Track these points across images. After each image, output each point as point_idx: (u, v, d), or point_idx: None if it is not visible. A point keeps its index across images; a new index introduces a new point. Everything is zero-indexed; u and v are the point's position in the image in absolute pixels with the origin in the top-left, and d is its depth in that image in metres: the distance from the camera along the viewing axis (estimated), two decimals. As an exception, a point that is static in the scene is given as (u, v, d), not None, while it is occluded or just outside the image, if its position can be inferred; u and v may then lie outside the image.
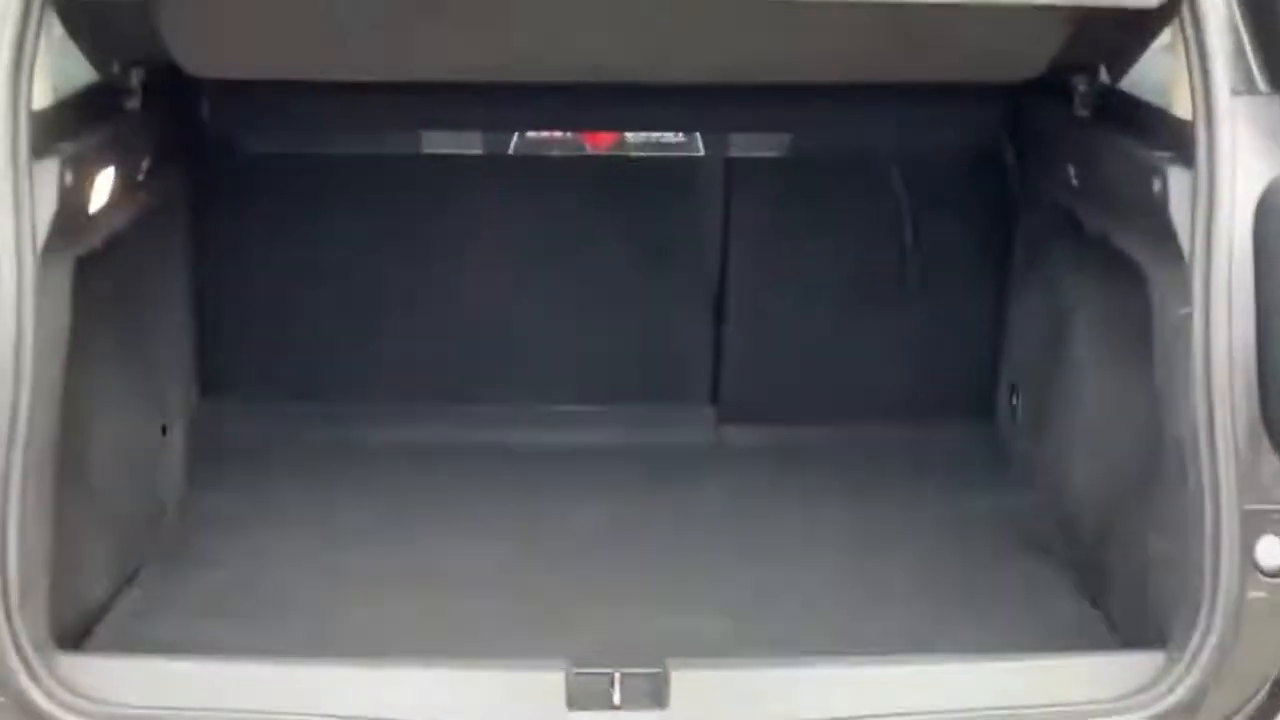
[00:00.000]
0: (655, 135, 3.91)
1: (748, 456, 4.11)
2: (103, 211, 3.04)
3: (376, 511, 3.78)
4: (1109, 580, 3.31)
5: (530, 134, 3.87)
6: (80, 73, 3.16)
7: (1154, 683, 2.71)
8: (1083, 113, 3.35)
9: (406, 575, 3.47)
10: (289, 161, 3.94)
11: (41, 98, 2.81)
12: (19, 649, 2.61)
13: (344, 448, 4.03)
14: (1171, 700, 2.69)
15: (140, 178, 3.33)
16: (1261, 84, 2.78)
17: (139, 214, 3.31)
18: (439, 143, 3.87)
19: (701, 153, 3.96)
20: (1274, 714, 2.85)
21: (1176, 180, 2.77)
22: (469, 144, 3.88)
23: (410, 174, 4.00)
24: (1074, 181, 3.42)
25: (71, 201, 2.78)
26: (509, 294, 4.14)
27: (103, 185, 3.04)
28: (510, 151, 3.88)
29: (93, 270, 2.98)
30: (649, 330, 4.20)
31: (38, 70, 2.70)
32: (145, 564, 3.47)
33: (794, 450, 4.09)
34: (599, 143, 3.93)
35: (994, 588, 3.45)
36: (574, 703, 2.67)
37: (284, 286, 4.09)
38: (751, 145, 4.00)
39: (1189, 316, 2.71)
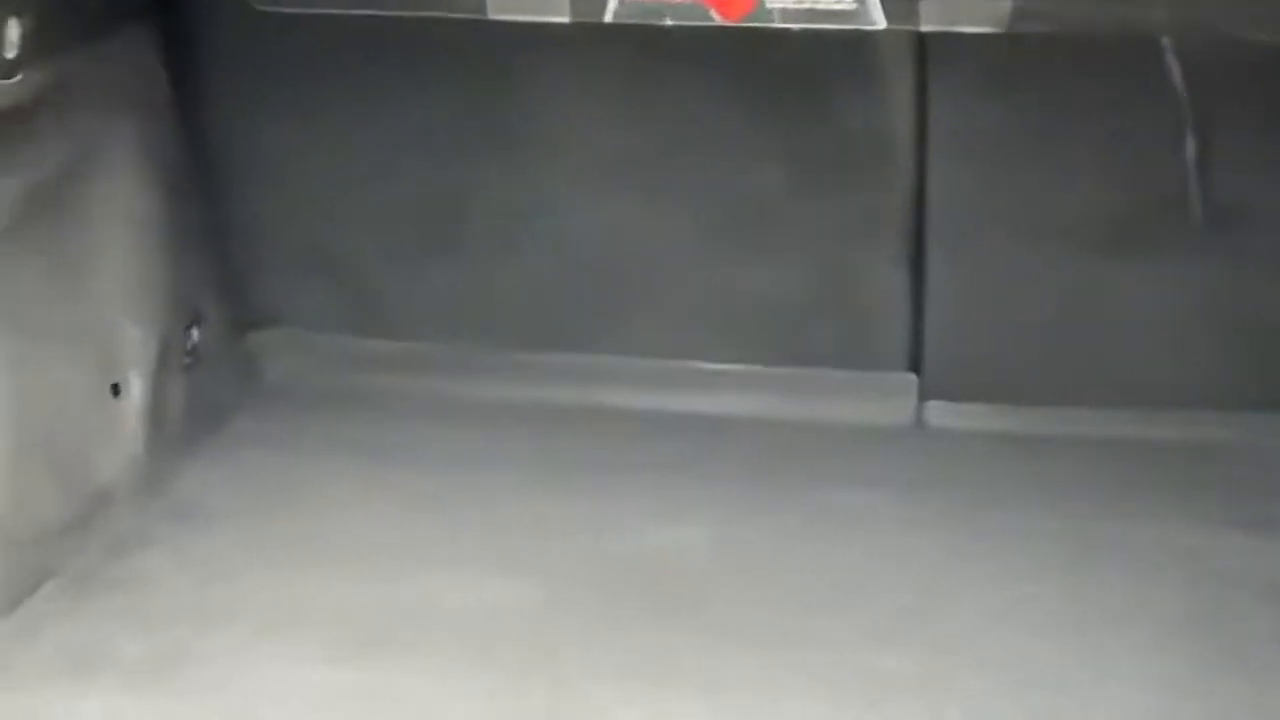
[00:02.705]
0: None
1: (958, 447, 3.47)
2: None
3: (425, 502, 3.14)
4: None
5: None
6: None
7: None
8: None
9: (408, 618, 2.77)
10: (319, 25, 3.38)
11: None
12: None
13: (400, 406, 3.52)
14: None
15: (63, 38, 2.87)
16: None
17: (57, 90, 2.86)
18: (508, 5, 3.29)
19: (880, 24, 3.29)
20: None
21: None
22: (550, 8, 3.29)
23: (479, 48, 3.41)
24: None
25: None
26: (623, 214, 3.54)
27: None
28: (607, 19, 3.28)
29: None
30: (820, 269, 3.54)
31: None
32: (55, 577, 2.87)
33: (1022, 441, 3.44)
34: (730, 10, 3.27)
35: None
36: None
37: (318, 193, 3.57)
38: (955, 14, 3.29)
39: None
